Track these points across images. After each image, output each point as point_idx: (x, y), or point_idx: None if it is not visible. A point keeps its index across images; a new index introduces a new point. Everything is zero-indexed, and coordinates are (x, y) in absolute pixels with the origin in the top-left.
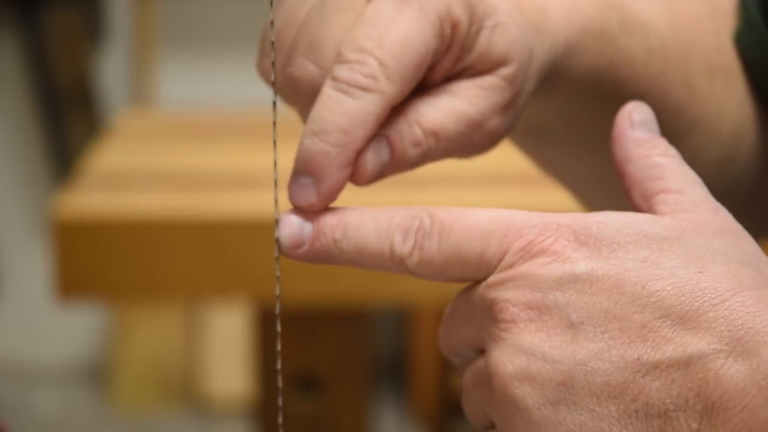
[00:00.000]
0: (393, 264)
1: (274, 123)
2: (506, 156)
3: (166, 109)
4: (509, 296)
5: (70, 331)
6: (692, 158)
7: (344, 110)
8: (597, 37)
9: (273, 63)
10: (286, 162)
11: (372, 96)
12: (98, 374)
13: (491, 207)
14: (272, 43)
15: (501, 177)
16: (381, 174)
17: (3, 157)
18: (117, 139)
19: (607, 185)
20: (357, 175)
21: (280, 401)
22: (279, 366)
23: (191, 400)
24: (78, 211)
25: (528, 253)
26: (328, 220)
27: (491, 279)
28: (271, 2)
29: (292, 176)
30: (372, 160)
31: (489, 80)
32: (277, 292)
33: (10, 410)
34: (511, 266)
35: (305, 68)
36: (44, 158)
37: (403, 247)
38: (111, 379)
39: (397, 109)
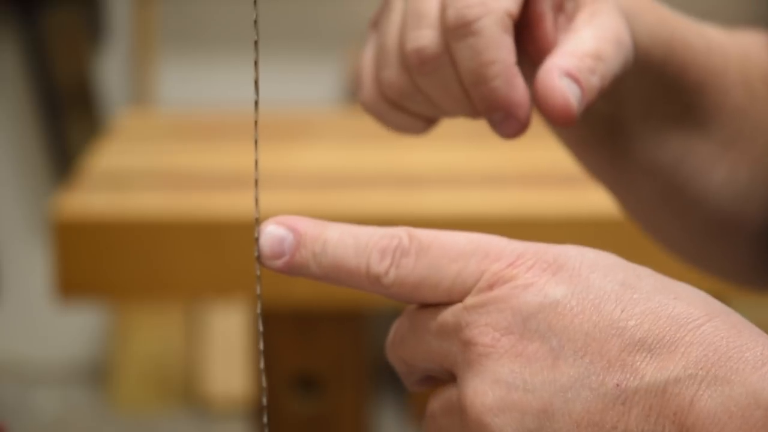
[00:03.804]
0: (368, 282)
1: (256, 122)
2: (506, 156)
3: (166, 109)
4: (489, 320)
5: (70, 331)
6: (754, 167)
7: (480, 50)
8: (650, 11)
9: (256, 61)
10: (288, 161)
11: (490, 17)
12: (98, 374)
13: (493, 204)
14: (255, 42)
15: (501, 177)
16: (581, 108)
17: (3, 157)
18: (117, 139)
19: (677, 190)
20: (567, 115)
21: (265, 401)
22: (261, 365)
23: (191, 400)
24: (78, 211)
25: (506, 276)
26: (310, 233)
27: (469, 300)
28: (255, 1)
29: (489, 118)
30: (572, 97)
31: (595, 6)
32: (258, 291)
33: (10, 410)
34: (490, 288)
35: (420, 37)
36: (44, 158)
37: (379, 266)
38: (111, 379)
39: (553, 56)
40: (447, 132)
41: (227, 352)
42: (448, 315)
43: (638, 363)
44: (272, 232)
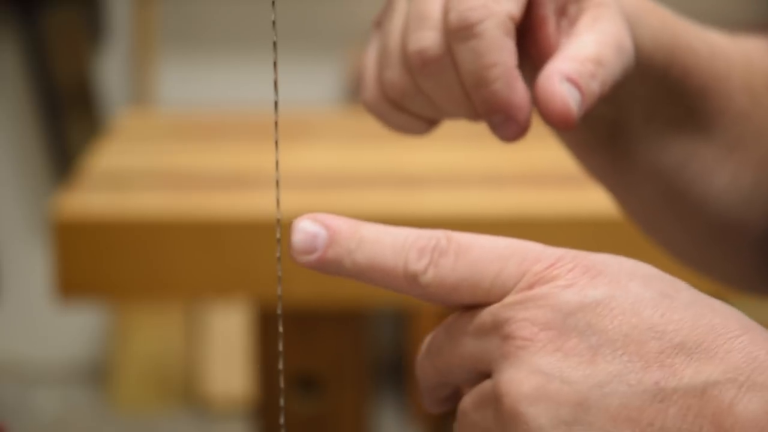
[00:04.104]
0: (405, 281)
1: (276, 123)
2: (506, 156)
3: (166, 109)
4: (528, 315)
5: (70, 331)
6: (757, 172)
7: (481, 52)
8: (653, 14)
9: (275, 63)
10: (288, 161)
11: (492, 20)
12: (98, 374)
13: (493, 204)
14: (274, 43)
15: (501, 177)
16: (581, 112)
17: (3, 157)
18: (117, 139)
19: (680, 194)
20: (567, 120)
21: (282, 401)
22: (281, 366)
23: (191, 400)
24: (78, 211)
25: (547, 276)
26: (344, 230)
27: (508, 299)
28: (273, 2)
29: (489, 120)
30: (572, 102)
31: (598, 11)
32: (279, 292)
33: (10, 410)
34: (530, 287)
35: (423, 38)
36: (44, 158)
37: (417, 264)
38: (111, 379)
39: (554, 61)
40: (447, 132)
41: (227, 352)
42: (486, 314)
43: (677, 365)
44: (305, 228)
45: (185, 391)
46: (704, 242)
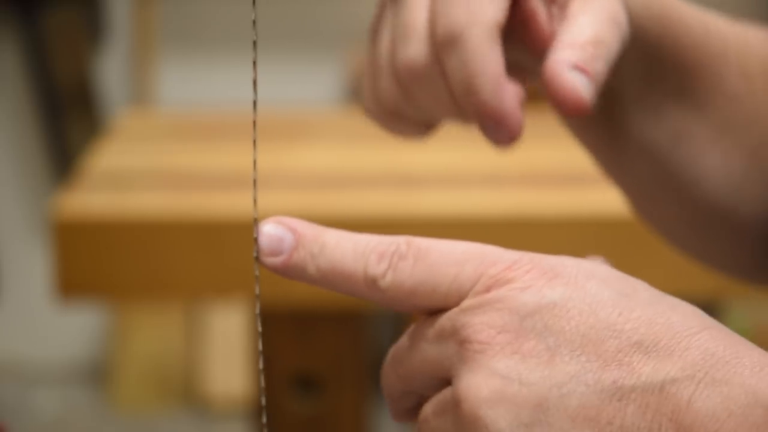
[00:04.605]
0: (365, 285)
1: (255, 122)
2: (506, 156)
3: (166, 109)
4: (485, 319)
5: (70, 331)
6: (748, 159)
7: (467, 61)
8: None
9: (254, 61)
10: (288, 161)
11: (477, 29)
12: (98, 374)
13: (493, 204)
14: (254, 43)
15: (501, 177)
16: (593, 96)
17: (3, 157)
18: (117, 139)
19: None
20: (580, 107)
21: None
22: (261, 366)
23: (191, 400)
24: (78, 211)
25: (503, 278)
26: (308, 234)
27: (465, 303)
28: (254, 1)
29: (481, 127)
30: (583, 89)
31: None
32: (257, 291)
33: (10, 410)
34: (487, 290)
35: (409, 50)
36: (44, 158)
37: (377, 268)
38: (111, 379)
39: (556, 50)
40: (447, 132)
41: (227, 352)
42: (444, 320)
43: (635, 363)
44: (271, 231)
45: (185, 391)
46: (699, 227)
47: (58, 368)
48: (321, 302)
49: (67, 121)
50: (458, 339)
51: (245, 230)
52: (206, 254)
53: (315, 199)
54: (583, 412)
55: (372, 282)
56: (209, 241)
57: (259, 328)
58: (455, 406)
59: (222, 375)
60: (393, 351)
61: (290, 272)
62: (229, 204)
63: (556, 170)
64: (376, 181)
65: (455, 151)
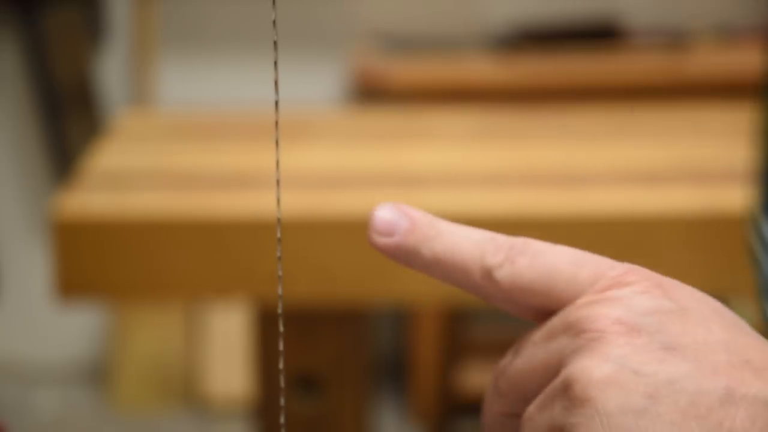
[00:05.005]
0: (480, 275)
1: (277, 122)
2: (506, 156)
3: (166, 109)
4: (602, 310)
5: (70, 331)
6: None
7: None
8: None
9: (275, 62)
10: (288, 161)
11: None
12: (98, 374)
13: (493, 204)
14: (275, 43)
15: (501, 177)
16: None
17: (3, 157)
18: (117, 139)
19: None
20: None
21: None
22: (281, 366)
23: (191, 400)
24: (78, 211)
25: (622, 281)
26: (424, 220)
27: (582, 300)
28: (273, 2)
29: None
30: None
31: None
32: (280, 291)
33: (10, 410)
34: (604, 290)
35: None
36: (44, 158)
37: (494, 258)
38: (111, 379)
39: None
40: (447, 132)
41: (227, 352)
42: (555, 320)
43: (746, 377)
44: (387, 214)
45: (185, 391)
46: None
47: (58, 368)
48: (322, 302)
49: (67, 121)
50: (573, 331)
51: (245, 230)
52: (206, 254)
53: (315, 199)
54: (693, 410)
55: (488, 272)
56: (209, 241)
57: (281, 328)
58: (565, 389)
59: (222, 375)
60: (495, 370)
61: (402, 254)
62: (229, 204)
63: (556, 170)
64: (376, 181)
65: (455, 151)
